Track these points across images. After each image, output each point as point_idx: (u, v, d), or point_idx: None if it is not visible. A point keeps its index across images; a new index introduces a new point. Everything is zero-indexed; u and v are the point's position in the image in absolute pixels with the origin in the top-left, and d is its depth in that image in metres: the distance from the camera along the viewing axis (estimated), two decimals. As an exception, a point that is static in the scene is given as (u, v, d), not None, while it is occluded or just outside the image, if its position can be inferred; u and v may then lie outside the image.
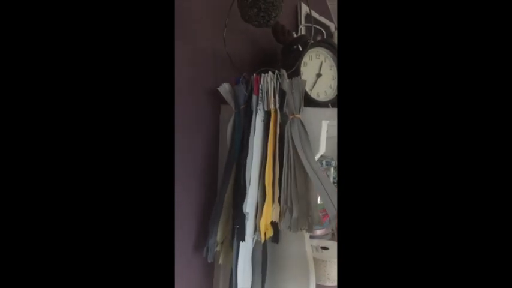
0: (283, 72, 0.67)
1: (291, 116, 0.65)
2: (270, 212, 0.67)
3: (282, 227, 0.66)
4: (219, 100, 0.82)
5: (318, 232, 0.94)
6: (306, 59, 0.76)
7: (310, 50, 0.77)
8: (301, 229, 0.65)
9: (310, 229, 0.65)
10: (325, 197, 0.61)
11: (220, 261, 0.78)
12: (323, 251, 0.92)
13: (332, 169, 0.93)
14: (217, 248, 0.77)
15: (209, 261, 0.76)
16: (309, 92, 0.76)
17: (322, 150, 0.70)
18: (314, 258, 0.84)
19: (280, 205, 0.67)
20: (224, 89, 0.74)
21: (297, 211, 0.65)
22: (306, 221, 0.65)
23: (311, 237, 1.02)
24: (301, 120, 0.65)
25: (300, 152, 0.64)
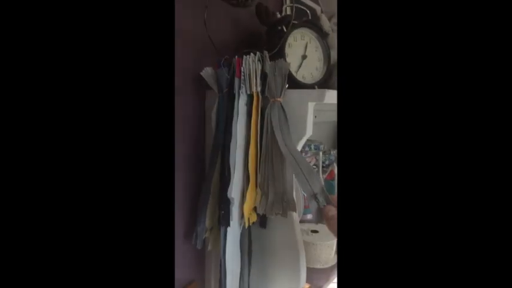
0: (266, 53, 0.65)
1: (272, 100, 0.63)
2: (253, 197, 0.67)
3: (259, 211, 0.66)
4: (204, 86, 0.80)
5: (308, 216, 0.94)
6: (290, 40, 0.75)
7: (294, 31, 0.75)
8: (276, 214, 0.64)
9: (284, 213, 0.65)
10: (301, 177, 0.59)
11: (210, 248, 0.78)
12: (313, 234, 0.93)
13: (321, 153, 0.93)
14: (206, 235, 0.76)
15: (198, 247, 0.75)
16: (294, 74, 0.74)
17: (309, 133, 0.69)
18: (304, 242, 0.85)
19: (260, 189, 0.67)
20: (207, 73, 0.72)
21: (272, 196, 0.65)
22: (281, 205, 0.64)
23: (301, 221, 1.02)
24: (281, 104, 0.64)
25: (278, 134, 0.63)
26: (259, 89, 0.65)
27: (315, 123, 0.72)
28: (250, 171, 0.66)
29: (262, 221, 0.73)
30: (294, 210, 0.64)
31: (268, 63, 0.64)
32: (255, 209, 0.68)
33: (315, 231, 0.94)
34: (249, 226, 0.69)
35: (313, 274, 0.91)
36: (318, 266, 0.90)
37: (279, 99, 0.63)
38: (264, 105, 0.66)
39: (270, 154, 0.65)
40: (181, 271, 0.83)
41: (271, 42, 0.75)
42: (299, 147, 0.69)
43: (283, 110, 0.64)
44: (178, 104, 0.77)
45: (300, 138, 0.68)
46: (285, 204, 0.64)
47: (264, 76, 0.65)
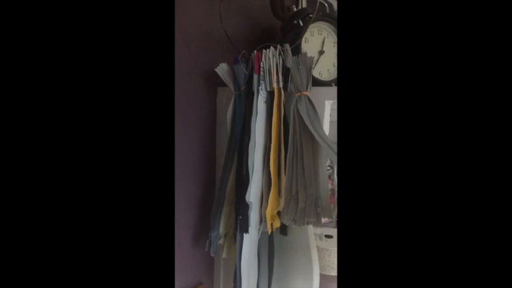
0: (287, 46, 0.61)
1: (298, 94, 0.58)
2: (276, 201, 0.62)
3: (285, 220, 0.58)
4: (215, 83, 0.76)
5: (323, 219, 0.90)
6: (307, 34, 0.71)
7: (312, 25, 0.71)
8: (307, 223, 0.57)
9: (318, 222, 0.57)
10: None
11: (224, 255, 0.73)
12: (327, 239, 0.89)
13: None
14: (220, 241, 0.72)
15: (212, 255, 0.71)
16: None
17: (326, 132, 0.65)
18: (318, 248, 0.80)
19: (284, 194, 0.60)
20: (222, 69, 0.67)
21: (303, 201, 0.57)
22: (314, 212, 0.57)
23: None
24: (309, 98, 0.59)
25: (311, 128, 0.57)
26: (281, 84, 0.61)
27: (330, 123, 0.68)
28: (272, 174, 0.61)
29: (283, 228, 0.69)
30: (330, 217, 0.58)
31: (290, 57, 0.60)
32: (277, 213, 0.64)
33: (329, 236, 0.90)
34: (271, 232, 0.64)
35: (326, 281, 0.87)
36: (332, 273, 0.86)
37: (305, 92, 0.58)
38: (287, 101, 0.61)
39: (299, 154, 0.58)
40: (190, 274, 0.79)
41: (287, 38, 0.72)
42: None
43: (311, 103, 0.59)
44: (187, 102, 0.73)
45: (326, 134, 0.64)
46: (319, 211, 0.57)
47: (286, 71, 0.61)
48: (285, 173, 0.61)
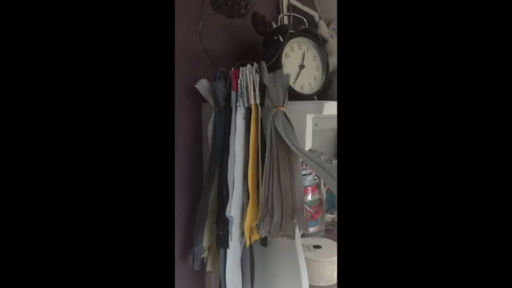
0: (263, 64, 0.63)
1: (275, 110, 0.59)
2: (254, 214, 0.63)
3: (261, 232, 0.59)
4: (200, 98, 0.77)
5: (311, 229, 0.91)
6: (287, 49, 0.72)
7: (291, 40, 0.72)
8: (283, 235, 0.58)
9: (293, 236, 0.58)
10: (325, 176, 0.53)
11: (208, 268, 0.74)
12: (315, 250, 0.89)
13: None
14: (204, 255, 0.73)
15: (196, 269, 0.72)
16: (292, 85, 0.72)
17: (308, 145, 0.66)
18: (306, 259, 0.81)
19: (260, 207, 0.61)
20: (202, 85, 0.69)
21: (279, 215, 0.58)
22: (291, 225, 0.58)
23: (303, 235, 0.98)
24: (285, 113, 0.60)
25: (286, 140, 0.57)
26: (258, 101, 0.62)
27: (315, 132, 0.69)
28: (250, 187, 0.62)
29: (264, 239, 0.70)
30: (306, 230, 0.58)
31: (266, 74, 0.61)
32: (256, 226, 0.64)
33: (318, 247, 0.90)
34: (250, 245, 0.65)
35: (316, 291, 0.87)
36: (321, 284, 0.86)
37: (281, 108, 0.59)
38: (264, 117, 0.62)
39: (275, 167, 0.59)
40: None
41: (268, 53, 0.73)
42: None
43: (287, 118, 0.60)
44: (175, 117, 0.74)
45: (302, 146, 0.65)
46: (295, 224, 0.58)
47: (262, 88, 0.62)
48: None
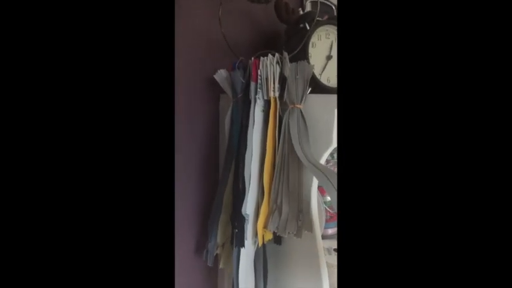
0: (285, 55, 0.58)
1: (291, 106, 0.56)
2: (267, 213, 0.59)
3: (270, 227, 0.57)
4: (219, 88, 0.74)
5: (330, 231, 0.86)
6: (314, 39, 0.67)
7: (318, 29, 0.67)
8: (289, 233, 0.56)
9: (298, 234, 0.56)
10: (330, 188, 0.51)
11: (221, 266, 0.72)
12: (336, 253, 0.84)
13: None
14: (218, 251, 0.70)
15: (209, 265, 0.70)
16: (318, 77, 0.67)
17: (335, 143, 0.61)
18: (326, 263, 0.76)
19: (271, 202, 0.59)
20: (221, 76, 0.66)
21: (286, 212, 0.57)
22: (296, 224, 0.55)
23: (322, 237, 0.93)
24: (301, 111, 0.56)
25: (296, 144, 0.55)
26: (277, 94, 0.58)
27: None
28: (265, 185, 0.59)
29: (277, 237, 0.66)
30: (310, 230, 0.56)
31: (288, 65, 0.57)
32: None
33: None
34: (263, 244, 0.62)
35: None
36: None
37: (298, 105, 0.56)
38: (283, 111, 0.58)
39: (285, 166, 0.57)
40: (193, 283, 0.78)
41: (292, 42, 0.68)
42: (323, 159, 0.61)
43: (303, 118, 0.56)
44: (190, 108, 0.72)
45: (325, 150, 0.60)
46: (300, 223, 0.55)
47: (283, 80, 0.58)
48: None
